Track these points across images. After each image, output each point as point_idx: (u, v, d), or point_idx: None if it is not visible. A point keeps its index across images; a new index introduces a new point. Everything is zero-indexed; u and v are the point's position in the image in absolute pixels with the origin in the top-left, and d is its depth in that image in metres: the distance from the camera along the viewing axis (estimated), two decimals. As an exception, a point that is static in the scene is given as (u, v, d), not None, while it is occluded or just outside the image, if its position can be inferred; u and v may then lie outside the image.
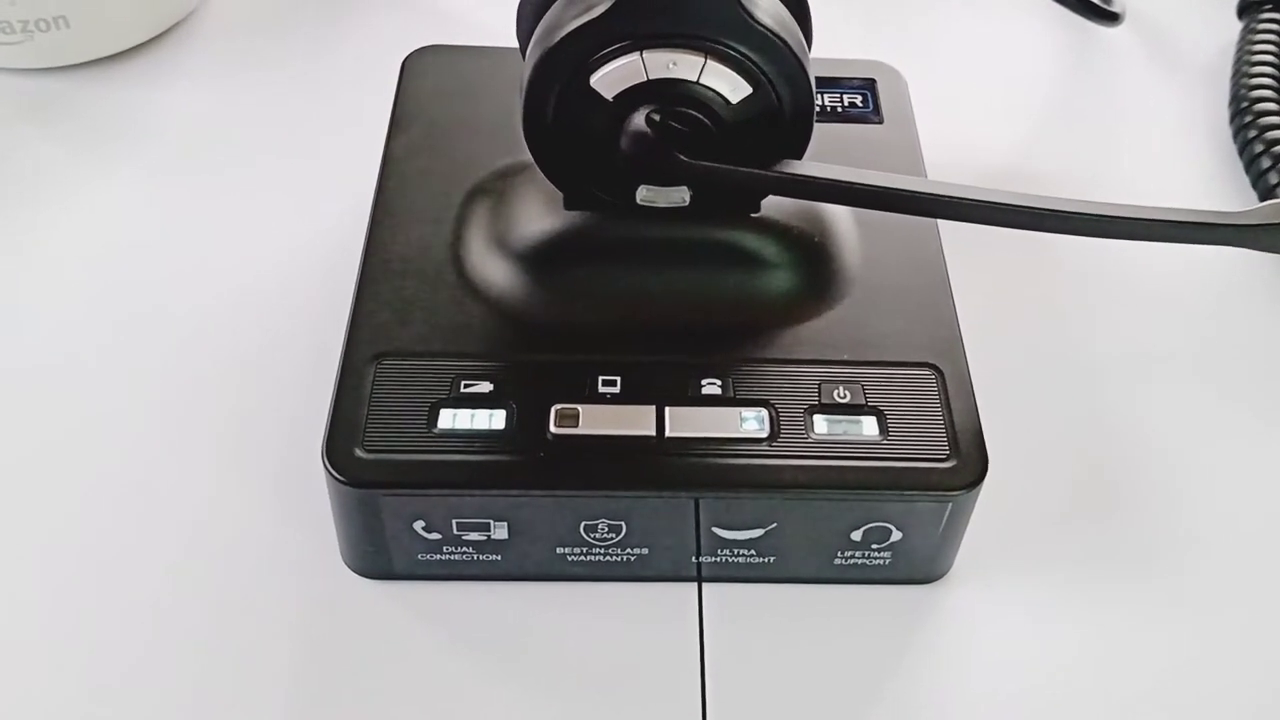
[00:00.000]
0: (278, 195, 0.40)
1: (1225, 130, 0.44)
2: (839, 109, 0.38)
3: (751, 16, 0.28)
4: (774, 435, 0.29)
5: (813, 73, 0.29)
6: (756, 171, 0.29)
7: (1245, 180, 0.42)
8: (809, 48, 0.30)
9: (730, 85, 0.29)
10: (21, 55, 0.41)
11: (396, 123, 0.36)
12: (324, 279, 0.36)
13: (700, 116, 0.29)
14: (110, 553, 0.31)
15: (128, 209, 0.39)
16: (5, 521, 0.31)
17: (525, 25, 0.30)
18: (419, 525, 0.29)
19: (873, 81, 0.38)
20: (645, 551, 0.30)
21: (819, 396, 0.30)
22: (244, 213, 0.39)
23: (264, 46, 0.45)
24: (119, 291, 0.37)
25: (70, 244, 0.38)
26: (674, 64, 0.28)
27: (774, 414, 0.30)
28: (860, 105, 0.38)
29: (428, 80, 0.37)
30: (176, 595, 0.30)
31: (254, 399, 0.34)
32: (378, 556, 0.30)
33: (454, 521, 0.29)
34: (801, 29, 0.30)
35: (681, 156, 0.29)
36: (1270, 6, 0.47)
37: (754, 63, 0.29)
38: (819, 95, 0.37)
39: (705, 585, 0.31)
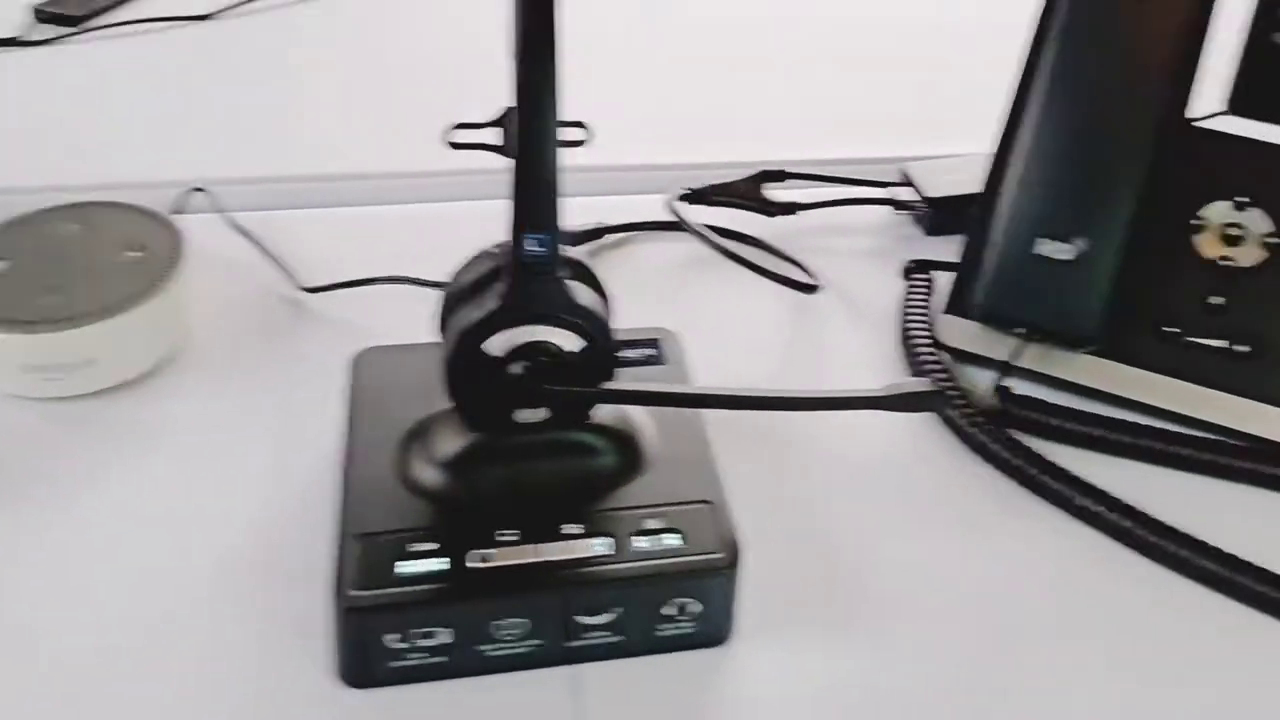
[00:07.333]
0: (260, 471, 0.55)
1: (896, 355, 0.65)
2: (640, 358, 0.57)
3: (577, 303, 0.48)
4: (616, 552, 0.47)
5: (614, 332, 0.49)
6: (587, 390, 0.49)
7: (911, 385, 0.63)
8: (609, 317, 0.50)
9: (571, 342, 0.48)
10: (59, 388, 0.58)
11: (354, 405, 0.53)
12: (299, 522, 0.52)
13: (553, 361, 0.48)
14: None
15: (144, 492, 0.55)
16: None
17: (443, 322, 0.49)
18: (390, 639, 0.46)
19: (657, 340, 0.58)
20: (539, 642, 0.47)
21: (641, 525, 0.48)
22: (230, 484, 0.55)
23: (239, 363, 0.62)
24: (148, 548, 0.52)
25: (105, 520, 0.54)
26: (536, 332, 0.48)
27: (614, 539, 0.47)
28: (652, 355, 0.57)
29: (372, 372, 0.55)
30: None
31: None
32: (363, 668, 0.46)
33: (413, 632, 0.46)
34: (605, 306, 0.49)
35: (545, 386, 0.48)
36: (919, 272, 0.70)
37: (582, 328, 0.48)
38: (627, 350, 0.57)
39: (575, 666, 0.47)
